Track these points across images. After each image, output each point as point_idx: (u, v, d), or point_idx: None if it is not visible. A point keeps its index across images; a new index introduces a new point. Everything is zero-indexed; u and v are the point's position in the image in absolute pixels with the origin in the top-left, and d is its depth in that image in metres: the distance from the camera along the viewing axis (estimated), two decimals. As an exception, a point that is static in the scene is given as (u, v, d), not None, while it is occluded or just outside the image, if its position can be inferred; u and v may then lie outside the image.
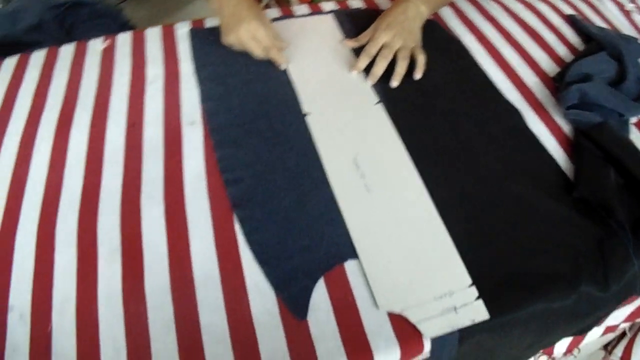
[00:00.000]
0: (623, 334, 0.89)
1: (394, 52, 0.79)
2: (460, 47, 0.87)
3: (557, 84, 0.79)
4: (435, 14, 0.94)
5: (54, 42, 0.99)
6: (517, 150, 0.70)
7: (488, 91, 0.79)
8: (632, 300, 0.66)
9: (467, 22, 0.92)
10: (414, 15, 0.83)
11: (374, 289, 0.56)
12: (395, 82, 0.79)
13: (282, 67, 0.81)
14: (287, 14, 0.94)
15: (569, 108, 0.73)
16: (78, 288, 0.56)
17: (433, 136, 0.72)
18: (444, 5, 0.94)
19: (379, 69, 0.79)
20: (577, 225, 0.62)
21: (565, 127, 0.74)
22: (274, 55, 0.80)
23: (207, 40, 0.85)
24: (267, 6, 1.09)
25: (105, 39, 0.87)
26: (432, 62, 0.82)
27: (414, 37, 0.82)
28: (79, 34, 1.12)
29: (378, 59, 0.79)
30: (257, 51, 0.79)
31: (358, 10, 0.96)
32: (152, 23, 0.93)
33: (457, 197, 0.65)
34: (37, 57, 0.85)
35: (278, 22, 0.91)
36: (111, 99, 0.77)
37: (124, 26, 1.21)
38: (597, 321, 0.65)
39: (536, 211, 0.63)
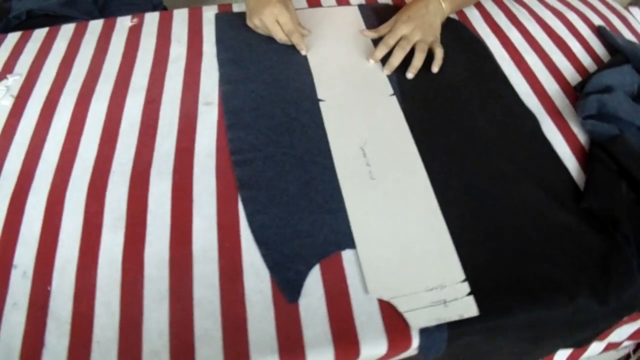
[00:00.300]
0: (628, 356, 0.87)
1: (412, 44, 0.80)
2: (483, 48, 0.86)
3: (578, 94, 0.78)
4: (462, 15, 0.94)
5: (86, 17, 1.01)
6: (529, 155, 0.70)
7: (506, 94, 0.78)
8: (636, 319, 0.65)
9: (493, 25, 0.91)
10: (435, 11, 0.83)
11: (365, 274, 0.56)
12: (410, 74, 0.79)
13: (303, 52, 0.82)
14: (314, 5, 0.95)
15: (586, 118, 0.71)
16: (80, 252, 0.58)
17: (444, 132, 0.72)
18: (466, 5, 0.94)
19: (396, 59, 0.79)
20: (582, 235, 0.61)
21: (582, 137, 0.72)
22: (296, 40, 0.81)
23: (231, 25, 0.87)
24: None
25: (134, 17, 0.89)
26: (452, 60, 0.82)
27: (434, 32, 0.83)
28: (111, 11, 1.14)
29: (396, 49, 0.80)
30: (279, 35, 0.81)
31: (384, 5, 0.96)
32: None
33: (460, 194, 0.64)
34: (66, 30, 0.88)
35: (303, 11, 0.92)
36: (133, 74, 0.79)
37: (157, 7, 1.23)
38: (595, 335, 0.64)
39: (541, 217, 0.63)
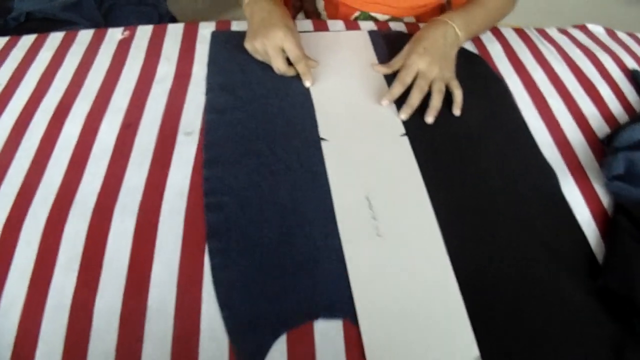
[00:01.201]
0: None
1: (429, 82, 0.71)
2: (502, 89, 0.78)
3: (604, 147, 0.69)
4: (483, 49, 0.85)
5: (89, 23, 0.96)
6: (545, 220, 0.61)
7: (525, 144, 0.70)
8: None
9: (517, 63, 0.83)
10: (452, 41, 0.75)
11: (366, 348, 0.49)
12: (431, 118, 0.70)
13: (307, 84, 0.75)
14: (320, 28, 0.88)
15: (612, 179, 0.63)
16: (28, 293, 0.52)
17: (458, 186, 0.64)
18: (479, 33, 0.85)
19: (415, 100, 0.70)
20: (595, 319, 0.53)
21: (605, 199, 0.64)
22: (302, 69, 0.73)
23: (227, 46, 0.80)
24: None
25: (125, 30, 0.83)
26: (469, 100, 0.73)
27: (450, 67, 0.74)
28: (116, 17, 1.09)
29: (413, 90, 0.71)
30: (278, 63, 0.73)
31: (396, 33, 0.88)
32: (203, 18, 0.88)
33: (476, 262, 0.56)
34: (54, 39, 0.83)
35: (308, 35, 0.85)
36: (114, 93, 0.73)
37: (164, 17, 1.18)
38: None
39: (553, 295, 0.54)
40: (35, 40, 0.82)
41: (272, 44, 0.72)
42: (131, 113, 0.70)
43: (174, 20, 1.20)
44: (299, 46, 0.73)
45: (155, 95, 0.72)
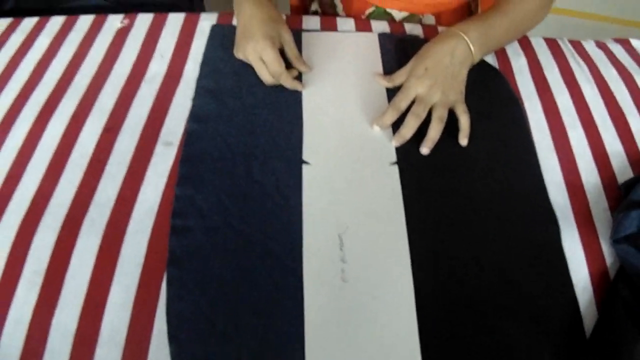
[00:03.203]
0: None
1: (429, 108, 0.64)
2: (518, 114, 0.70)
3: (622, 192, 0.61)
4: (505, 61, 0.77)
5: (100, 9, 0.92)
6: (533, 275, 0.55)
7: (530, 184, 0.63)
8: None
9: (541, 82, 0.74)
10: (463, 58, 0.66)
11: None
12: (425, 150, 0.63)
13: (299, 89, 0.70)
14: (328, 27, 0.81)
15: (619, 240, 0.56)
16: (-7, 304, 0.52)
17: (444, 229, 0.58)
18: (499, 47, 0.75)
19: (408, 130, 0.64)
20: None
21: (609, 259, 0.57)
22: (285, 82, 0.69)
23: (225, 42, 0.75)
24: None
25: (125, 18, 0.80)
26: (477, 125, 0.66)
27: (458, 87, 0.66)
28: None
29: (408, 117, 0.64)
30: (265, 76, 0.69)
31: (410, 38, 0.80)
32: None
33: (447, 322, 0.52)
34: (54, 23, 0.80)
35: (312, 34, 0.78)
36: (102, 91, 0.70)
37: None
38: None
39: None
40: (37, 23, 0.80)
41: (252, 56, 0.68)
42: (115, 115, 0.67)
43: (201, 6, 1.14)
44: (278, 59, 0.67)
45: (142, 96, 0.69)
